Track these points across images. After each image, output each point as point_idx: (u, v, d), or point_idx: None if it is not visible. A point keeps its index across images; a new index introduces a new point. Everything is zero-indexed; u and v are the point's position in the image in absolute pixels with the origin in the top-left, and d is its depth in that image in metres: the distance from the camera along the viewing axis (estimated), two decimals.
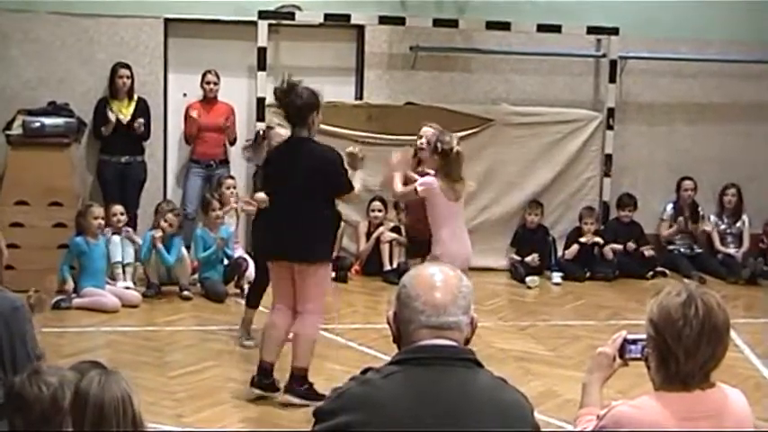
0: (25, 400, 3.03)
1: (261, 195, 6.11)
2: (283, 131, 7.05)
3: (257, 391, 5.90)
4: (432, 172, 6.48)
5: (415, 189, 6.33)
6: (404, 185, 6.50)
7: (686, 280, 9.24)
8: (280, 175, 5.88)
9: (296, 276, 5.79)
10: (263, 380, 5.90)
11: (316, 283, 5.81)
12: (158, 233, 8.32)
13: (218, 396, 6.01)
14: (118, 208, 8.56)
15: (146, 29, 9.40)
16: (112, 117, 8.89)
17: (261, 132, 7.14)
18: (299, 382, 5.83)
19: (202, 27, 9.53)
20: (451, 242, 6.26)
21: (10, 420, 3.08)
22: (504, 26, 9.71)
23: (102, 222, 8.17)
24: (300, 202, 5.74)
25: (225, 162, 9.43)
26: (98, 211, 8.14)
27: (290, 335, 5.93)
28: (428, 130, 6.89)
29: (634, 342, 2.89)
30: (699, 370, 2.65)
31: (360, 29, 9.82)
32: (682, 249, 10.10)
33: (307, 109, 5.84)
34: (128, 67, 9.08)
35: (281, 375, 5.94)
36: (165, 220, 8.39)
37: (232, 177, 9.15)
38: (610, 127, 10.10)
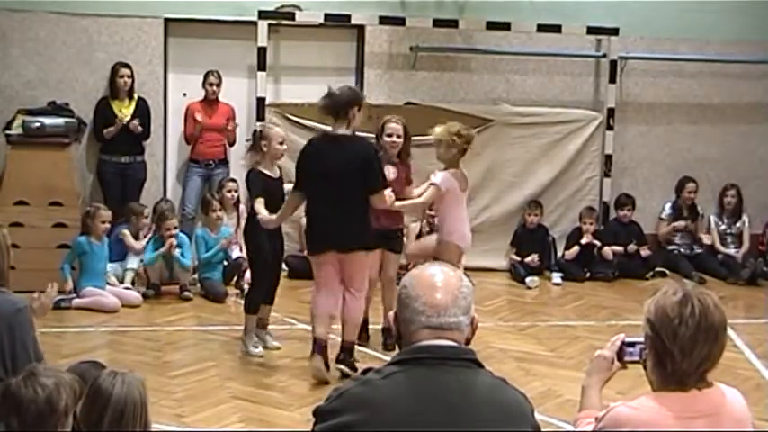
0: (20, 402, 3.04)
1: (265, 216, 6.48)
2: (280, 130, 7.08)
3: (342, 368, 6.27)
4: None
5: (438, 188, 6.75)
6: (415, 195, 6.99)
7: (686, 280, 9.26)
8: (318, 169, 6.17)
9: (341, 264, 6.26)
10: (322, 354, 6.24)
11: (359, 269, 6.25)
12: (173, 240, 8.32)
13: (218, 396, 6.01)
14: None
15: (146, 29, 9.40)
16: (120, 121, 8.90)
17: (258, 132, 7.10)
18: (349, 355, 6.29)
19: (202, 27, 9.54)
20: (463, 225, 6.88)
21: (5, 421, 3.09)
22: (504, 26, 9.72)
23: (108, 226, 8.17)
24: (340, 195, 6.09)
25: (224, 162, 9.43)
26: (106, 214, 8.14)
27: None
28: (397, 127, 7.01)
29: (632, 345, 2.89)
30: (695, 369, 2.65)
31: (360, 29, 9.82)
32: (682, 249, 10.10)
33: (347, 104, 6.22)
34: (128, 66, 9.08)
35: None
36: (167, 228, 8.38)
37: (234, 180, 9.12)
38: (610, 127, 10.10)
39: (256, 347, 6.83)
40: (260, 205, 6.52)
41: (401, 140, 6.99)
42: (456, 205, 6.85)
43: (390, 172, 6.83)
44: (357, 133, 6.54)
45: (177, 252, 8.37)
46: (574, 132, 10.03)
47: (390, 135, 6.96)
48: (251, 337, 6.87)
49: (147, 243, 8.50)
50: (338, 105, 6.22)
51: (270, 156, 6.81)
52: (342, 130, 6.24)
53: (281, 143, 6.87)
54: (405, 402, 2.41)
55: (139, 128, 8.98)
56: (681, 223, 10.08)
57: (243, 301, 7.16)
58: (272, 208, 6.68)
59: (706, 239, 10.10)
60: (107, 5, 9.26)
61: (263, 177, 6.74)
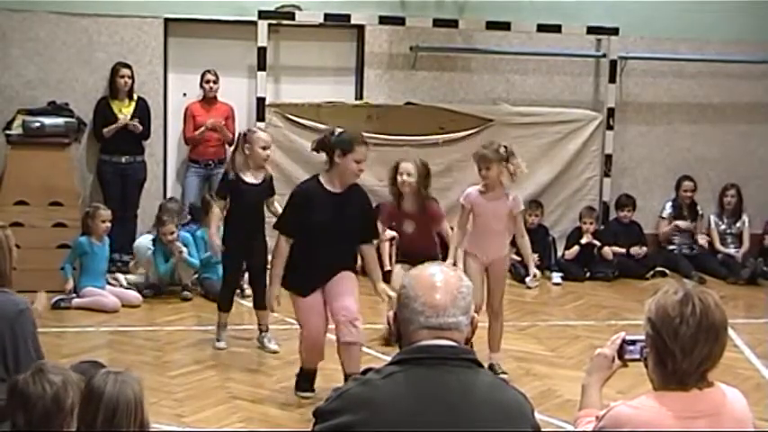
0: (28, 398, 3.04)
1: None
2: (264, 135, 6.91)
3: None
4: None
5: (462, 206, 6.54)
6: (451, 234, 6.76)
7: (686, 280, 9.26)
8: (322, 216, 5.73)
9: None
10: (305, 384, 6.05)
11: None
12: (179, 245, 8.29)
13: (218, 396, 6.01)
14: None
15: (146, 29, 9.40)
16: (122, 121, 8.90)
17: (242, 135, 7.00)
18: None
19: (202, 27, 9.54)
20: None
21: (12, 418, 3.08)
22: (504, 26, 9.72)
23: (109, 225, 8.15)
24: (336, 244, 5.75)
25: (224, 162, 9.39)
26: (106, 214, 8.11)
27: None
28: (408, 165, 6.79)
29: (633, 343, 2.89)
30: (696, 369, 2.65)
31: (360, 29, 9.82)
32: (682, 249, 10.10)
33: (329, 146, 5.74)
34: (128, 66, 9.08)
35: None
36: (164, 234, 8.33)
37: None
38: (610, 127, 10.10)
39: (219, 341, 6.98)
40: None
41: (412, 179, 6.73)
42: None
43: (409, 227, 6.76)
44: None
45: (185, 255, 8.35)
46: (574, 132, 10.03)
47: (401, 174, 6.77)
48: (219, 332, 7.03)
49: (153, 250, 8.47)
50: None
51: (252, 160, 6.74)
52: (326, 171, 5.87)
53: (264, 148, 6.73)
54: (405, 402, 2.41)
55: (139, 127, 8.98)
56: (684, 222, 10.08)
57: (245, 301, 7.23)
58: (242, 215, 6.77)
59: (702, 240, 10.10)
60: (107, 5, 9.26)
61: (237, 181, 6.73)
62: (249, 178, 6.75)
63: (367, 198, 5.98)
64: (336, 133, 5.75)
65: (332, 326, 6.39)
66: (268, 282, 6.15)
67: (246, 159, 6.74)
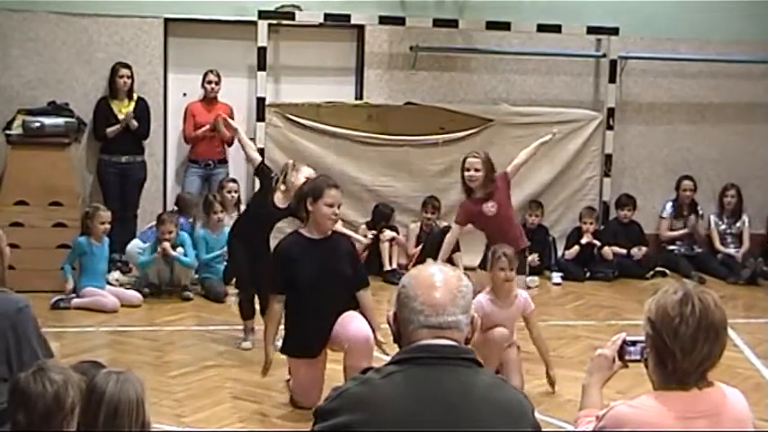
0: (28, 397, 3.03)
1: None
2: (311, 171, 6.79)
3: None
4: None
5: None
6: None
7: (686, 280, 9.25)
8: (308, 274, 5.66)
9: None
10: None
11: None
12: (166, 243, 8.27)
13: (218, 396, 6.01)
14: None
15: (146, 29, 9.41)
16: (122, 121, 8.90)
17: (293, 164, 6.92)
18: None
19: (202, 27, 9.54)
20: None
21: (12, 416, 3.08)
22: (504, 26, 9.72)
23: (108, 226, 8.14)
24: (330, 294, 5.66)
25: (223, 162, 9.42)
26: (105, 215, 8.10)
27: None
28: (474, 160, 6.79)
29: (633, 344, 2.89)
30: (696, 369, 2.65)
31: (360, 29, 9.82)
32: (682, 249, 10.10)
33: (303, 197, 5.78)
34: (128, 66, 9.08)
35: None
36: (162, 233, 8.33)
37: (234, 181, 9.14)
38: (610, 127, 10.10)
39: (245, 341, 6.97)
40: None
41: (479, 174, 6.72)
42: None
43: (491, 209, 6.80)
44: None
45: (176, 252, 8.33)
46: (574, 132, 10.03)
47: (468, 170, 6.78)
48: (245, 334, 7.02)
49: (150, 245, 8.48)
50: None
51: (294, 188, 6.58)
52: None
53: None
54: (404, 402, 2.41)
55: (134, 122, 8.96)
56: (682, 232, 10.10)
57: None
58: (257, 229, 6.76)
59: (704, 232, 10.12)
60: (107, 5, 9.27)
61: (270, 200, 6.72)
62: (279, 202, 6.73)
63: (351, 243, 6.04)
64: (307, 183, 5.91)
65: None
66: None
67: (287, 186, 6.68)
